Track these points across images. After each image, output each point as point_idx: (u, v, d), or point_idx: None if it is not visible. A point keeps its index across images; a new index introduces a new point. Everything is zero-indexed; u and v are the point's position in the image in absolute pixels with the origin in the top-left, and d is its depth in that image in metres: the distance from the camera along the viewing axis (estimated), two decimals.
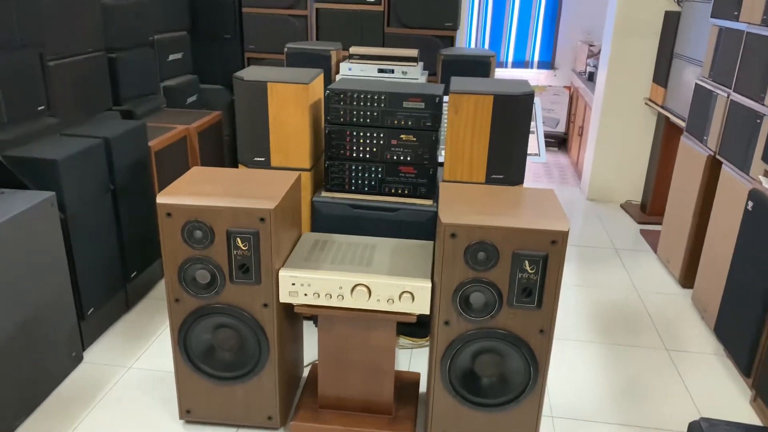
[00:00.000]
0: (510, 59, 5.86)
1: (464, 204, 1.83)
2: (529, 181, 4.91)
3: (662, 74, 3.79)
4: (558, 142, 5.84)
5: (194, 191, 1.85)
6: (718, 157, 2.82)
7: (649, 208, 4.06)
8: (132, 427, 2.08)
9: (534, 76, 5.88)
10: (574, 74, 5.57)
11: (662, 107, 3.78)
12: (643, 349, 2.64)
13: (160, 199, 1.80)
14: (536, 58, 5.84)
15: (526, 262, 1.73)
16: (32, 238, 2.06)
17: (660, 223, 3.76)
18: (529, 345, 1.81)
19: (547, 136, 5.83)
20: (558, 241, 1.71)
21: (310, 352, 2.50)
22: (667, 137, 3.86)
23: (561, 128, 5.79)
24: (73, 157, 2.27)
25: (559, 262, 1.73)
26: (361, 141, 2.39)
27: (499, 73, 5.76)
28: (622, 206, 4.30)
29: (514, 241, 1.72)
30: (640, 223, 4.02)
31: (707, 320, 2.78)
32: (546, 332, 1.80)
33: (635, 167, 4.28)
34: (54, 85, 2.71)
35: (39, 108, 2.63)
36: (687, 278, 3.11)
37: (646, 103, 4.09)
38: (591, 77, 5.06)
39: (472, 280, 1.77)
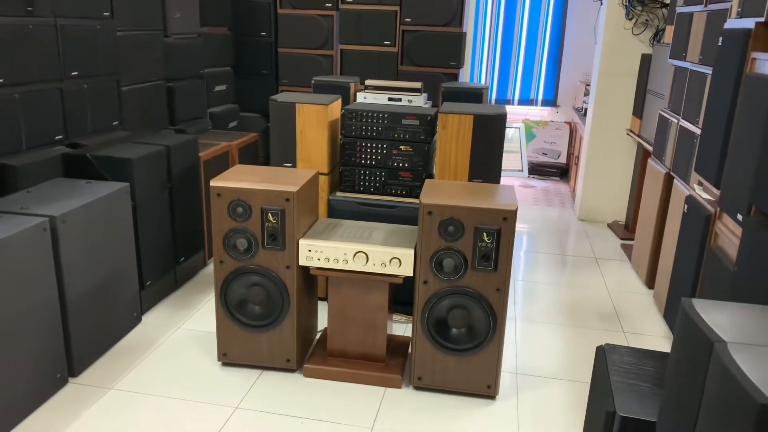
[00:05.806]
0: (516, 97, 6.47)
1: (440, 192, 2.39)
2: (529, 204, 5.45)
3: (639, 108, 4.34)
4: (560, 172, 6.37)
5: (238, 178, 2.46)
6: (671, 173, 3.34)
7: (631, 227, 4.54)
8: (180, 368, 2.65)
9: (538, 113, 6.48)
10: (574, 111, 6.14)
11: (639, 136, 4.32)
12: (604, 331, 3.13)
13: (213, 182, 2.41)
14: (540, 97, 6.44)
15: (484, 234, 2.27)
16: (110, 217, 2.68)
17: None
18: (489, 300, 2.34)
19: (549, 166, 6.37)
20: (508, 218, 2.25)
21: (321, 325, 3.05)
22: (643, 163, 4.37)
23: (563, 159, 6.34)
24: (143, 158, 2.90)
25: (510, 234, 2.27)
26: (369, 151, 2.99)
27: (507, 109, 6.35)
28: (608, 225, 4.80)
29: (475, 218, 2.27)
30: (622, 239, 4.51)
31: (662, 311, 3.25)
32: (501, 291, 2.33)
33: (620, 190, 4.79)
34: (126, 106, 3.39)
35: (114, 123, 3.30)
36: (650, 279, 3.59)
37: (627, 134, 4.63)
38: (586, 113, 5.61)
39: (444, 249, 2.32)
